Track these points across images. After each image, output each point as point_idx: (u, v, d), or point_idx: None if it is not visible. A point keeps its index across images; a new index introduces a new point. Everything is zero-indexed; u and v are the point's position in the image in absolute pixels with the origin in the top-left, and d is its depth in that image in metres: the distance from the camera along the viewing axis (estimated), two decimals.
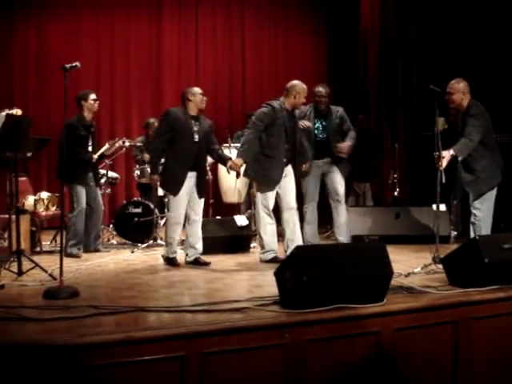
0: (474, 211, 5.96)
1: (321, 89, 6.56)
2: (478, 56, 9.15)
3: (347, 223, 6.60)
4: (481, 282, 4.39)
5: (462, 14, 9.33)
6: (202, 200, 5.84)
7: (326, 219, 8.98)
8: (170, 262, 5.77)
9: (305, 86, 5.86)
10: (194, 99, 5.73)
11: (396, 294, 4.21)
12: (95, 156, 6.63)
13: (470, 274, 4.44)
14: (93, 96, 6.65)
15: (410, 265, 5.42)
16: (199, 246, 5.84)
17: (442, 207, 7.23)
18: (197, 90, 5.79)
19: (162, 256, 5.87)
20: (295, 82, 5.89)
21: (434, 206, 6.29)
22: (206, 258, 5.84)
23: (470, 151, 5.75)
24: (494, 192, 5.97)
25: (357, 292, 3.85)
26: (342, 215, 6.52)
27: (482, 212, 5.89)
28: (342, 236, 6.51)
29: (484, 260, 4.34)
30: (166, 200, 6.26)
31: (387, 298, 4.02)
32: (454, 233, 7.42)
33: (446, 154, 5.57)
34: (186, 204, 5.73)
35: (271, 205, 5.85)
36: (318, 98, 6.52)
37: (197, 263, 5.74)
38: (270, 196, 5.82)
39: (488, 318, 4.29)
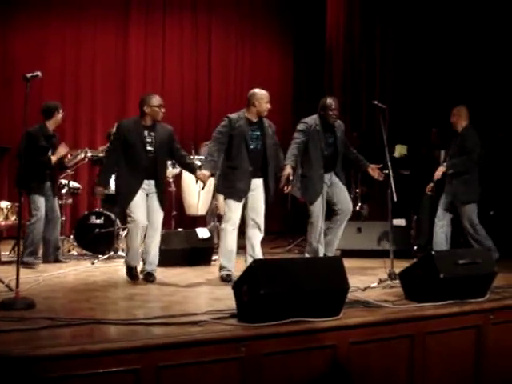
0: (473, 227, 6.50)
1: (333, 102, 6.17)
2: (440, 74, 9.33)
3: None
4: (436, 297, 4.47)
5: (426, 33, 9.51)
6: (161, 213, 5.60)
7: (288, 232, 9.09)
8: (128, 272, 5.59)
9: (264, 92, 5.74)
10: (149, 111, 5.52)
11: (352, 308, 4.26)
12: (54, 158, 6.55)
13: (425, 288, 4.51)
14: (61, 110, 6.66)
15: (368, 279, 5.49)
16: (152, 260, 5.57)
17: (402, 222, 7.36)
18: (154, 100, 5.53)
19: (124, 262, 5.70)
20: (254, 90, 5.83)
21: (394, 221, 6.40)
22: (166, 271, 5.83)
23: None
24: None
25: (313, 306, 3.88)
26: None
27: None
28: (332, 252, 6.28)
29: (439, 275, 4.41)
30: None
31: (344, 312, 4.06)
32: (414, 247, 7.52)
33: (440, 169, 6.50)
34: (145, 209, 5.50)
35: (237, 218, 5.63)
36: (330, 111, 6.13)
37: (145, 278, 5.51)
38: (237, 209, 5.61)
39: (442, 333, 4.37)
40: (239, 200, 5.59)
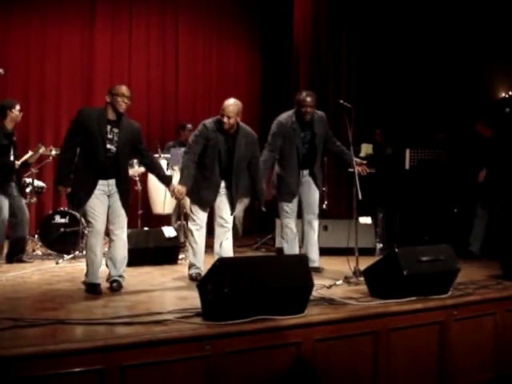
0: None
1: (307, 98, 5.91)
2: (406, 73, 9.44)
3: None
4: (400, 294, 4.53)
5: (393, 32, 9.60)
6: (124, 216, 5.09)
7: (255, 231, 9.10)
8: (91, 289, 4.93)
9: (230, 102, 5.49)
10: (110, 100, 4.92)
11: (317, 306, 4.30)
12: (18, 162, 6.49)
13: (389, 285, 4.57)
14: (18, 107, 6.52)
15: (334, 277, 5.53)
16: (119, 266, 5.08)
17: (368, 220, 7.41)
18: (117, 88, 4.92)
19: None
20: (225, 101, 5.55)
21: (360, 219, 6.46)
22: (132, 270, 5.77)
23: None
24: None
25: (278, 304, 3.90)
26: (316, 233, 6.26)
27: None
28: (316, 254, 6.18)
29: (403, 272, 4.46)
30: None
31: (308, 310, 4.10)
32: (379, 245, 7.59)
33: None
34: (105, 212, 5.01)
35: (202, 220, 5.61)
36: (303, 108, 5.91)
37: (110, 287, 5.02)
38: (202, 212, 5.61)
39: (406, 329, 4.43)
40: (203, 209, 5.60)
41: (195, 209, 5.61)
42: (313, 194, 6.14)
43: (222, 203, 5.62)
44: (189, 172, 5.46)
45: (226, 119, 5.40)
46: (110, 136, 4.92)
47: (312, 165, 6.11)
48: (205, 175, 5.54)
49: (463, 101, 8.70)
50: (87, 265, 4.99)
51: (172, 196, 5.42)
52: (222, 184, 5.61)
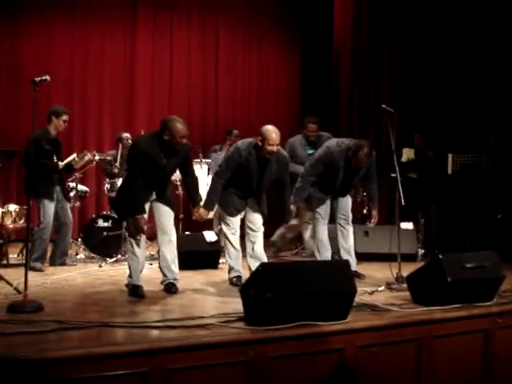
0: None
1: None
2: (448, 75, 9.32)
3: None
4: (443, 301, 4.47)
5: (434, 34, 9.50)
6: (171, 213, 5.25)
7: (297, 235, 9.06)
8: (133, 292, 5.04)
9: (272, 132, 5.44)
10: (168, 138, 5.00)
11: (360, 312, 4.26)
12: (61, 163, 6.58)
13: (433, 292, 4.51)
14: (65, 117, 6.60)
15: (376, 283, 5.49)
16: (172, 268, 5.20)
17: (410, 226, 7.35)
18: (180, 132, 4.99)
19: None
20: (266, 127, 5.52)
21: (402, 225, 6.40)
22: None
23: None
24: None
25: (320, 309, 3.88)
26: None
27: None
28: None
29: (447, 279, 4.41)
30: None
31: (351, 316, 4.07)
32: (421, 251, 7.51)
33: None
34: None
35: (236, 223, 5.69)
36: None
37: (166, 289, 5.15)
38: (234, 218, 5.68)
39: (450, 337, 4.36)
40: (235, 216, 5.69)
41: (225, 217, 5.72)
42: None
43: (251, 216, 5.70)
44: (215, 198, 5.60)
45: (274, 148, 5.42)
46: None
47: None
48: (235, 192, 5.63)
49: (506, 105, 8.55)
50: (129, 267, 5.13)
51: (193, 217, 5.56)
52: (250, 199, 5.71)
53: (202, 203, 5.61)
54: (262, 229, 5.73)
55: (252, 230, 5.69)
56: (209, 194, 5.66)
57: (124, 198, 5.11)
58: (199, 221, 5.64)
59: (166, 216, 5.21)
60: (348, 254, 6.13)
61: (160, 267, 5.23)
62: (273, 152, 5.43)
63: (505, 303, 4.72)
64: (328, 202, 6.16)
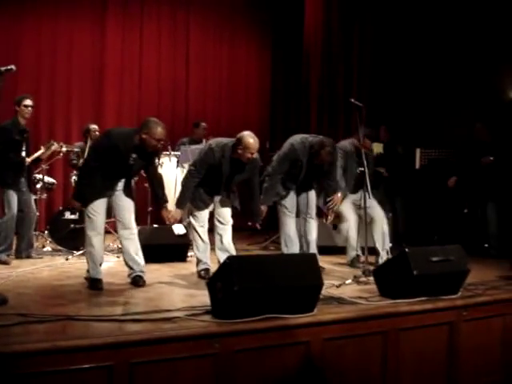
0: None
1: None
2: (418, 71, 9.41)
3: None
4: (409, 294, 4.51)
5: (404, 30, 9.57)
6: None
7: (264, 229, 9.08)
8: (93, 285, 5.00)
9: (252, 141, 5.40)
10: (143, 139, 4.99)
11: (326, 305, 4.28)
12: (29, 159, 6.51)
13: (399, 285, 4.54)
14: (26, 102, 6.50)
15: (343, 276, 5.52)
16: (137, 260, 5.19)
17: None
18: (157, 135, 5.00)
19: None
20: (244, 133, 5.46)
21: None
22: None
23: None
24: None
25: (287, 302, 3.89)
26: None
27: None
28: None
29: (413, 272, 4.44)
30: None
31: (318, 309, 4.08)
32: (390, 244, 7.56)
33: None
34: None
35: (204, 216, 5.72)
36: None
37: (133, 282, 5.13)
38: (202, 211, 5.72)
39: (416, 329, 4.41)
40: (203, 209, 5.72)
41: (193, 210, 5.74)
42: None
43: (220, 209, 5.73)
44: (188, 195, 5.61)
45: (250, 155, 5.43)
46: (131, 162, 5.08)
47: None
48: (204, 189, 5.65)
49: (475, 100, 8.65)
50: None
51: (166, 220, 5.49)
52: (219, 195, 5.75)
53: (172, 203, 5.62)
54: (230, 222, 5.76)
55: (220, 222, 5.70)
56: (181, 193, 5.67)
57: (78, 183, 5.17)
58: (171, 222, 5.57)
59: (126, 209, 5.19)
60: (310, 247, 6.14)
61: (125, 260, 5.21)
62: (252, 159, 5.47)
63: (470, 296, 4.79)
64: (294, 196, 6.17)
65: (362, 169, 5.73)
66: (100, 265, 5.11)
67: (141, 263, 5.19)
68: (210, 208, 5.78)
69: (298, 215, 6.25)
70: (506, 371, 4.89)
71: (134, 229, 5.22)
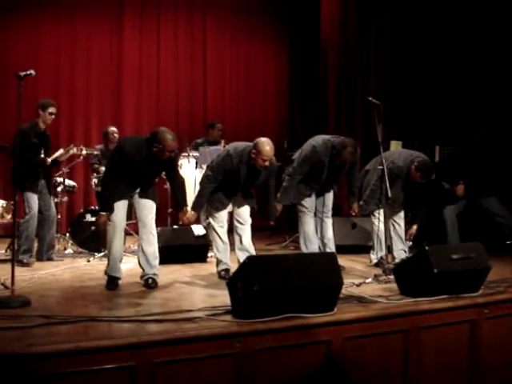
0: None
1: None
2: (436, 67, 9.34)
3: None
4: (430, 292, 4.49)
5: (421, 26, 9.51)
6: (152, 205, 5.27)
7: (284, 229, 9.10)
8: (108, 282, 5.14)
9: (267, 148, 5.39)
10: (157, 149, 5.00)
11: (347, 304, 4.28)
12: (49, 159, 6.56)
13: (419, 283, 4.53)
14: (51, 109, 6.55)
15: (363, 275, 5.51)
16: (152, 263, 5.21)
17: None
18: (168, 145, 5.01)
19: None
20: (261, 140, 5.45)
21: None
22: (162, 268, 5.78)
23: None
24: None
25: (307, 301, 3.89)
26: None
27: None
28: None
29: (433, 270, 4.43)
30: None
31: (338, 308, 4.08)
32: (409, 243, 7.52)
33: None
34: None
35: (223, 216, 5.75)
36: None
37: (145, 284, 5.14)
38: (221, 211, 5.74)
39: (437, 327, 4.38)
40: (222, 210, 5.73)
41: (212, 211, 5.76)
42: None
43: (239, 209, 5.76)
44: (204, 200, 5.67)
45: (266, 163, 5.44)
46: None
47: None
48: (222, 192, 5.68)
49: (493, 96, 8.57)
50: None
51: (180, 221, 5.59)
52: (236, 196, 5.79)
53: (189, 206, 5.66)
54: (249, 221, 5.77)
55: (240, 222, 5.73)
56: (198, 197, 5.71)
57: (101, 195, 5.22)
58: (185, 223, 5.69)
59: (147, 209, 5.24)
60: (327, 246, 6.16)
61: (139, 262, 5.22)
62: (265, 166, 5.47)
63: (491, 294, 4.75)
64: (313, 196, 6.20)
65: (381, 167, 5.70)
66: (120, 261, 5.18)
67: (155, 266, 5.20)
68: (229, 208, 5.80)
69: (314, 214, 6.26)
70: None
71: (154, 230, 5.25)
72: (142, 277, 5.21)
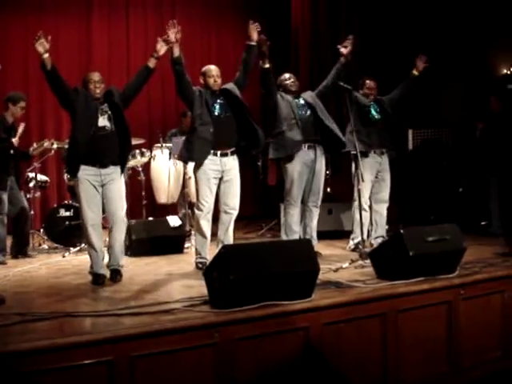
0: None
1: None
2: (404, 52, 9.35)
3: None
4: (406, 275, 4.51)
5: (392, 12, 9.51)
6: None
7: (261, 216, 9.11)
8: (93, 279, 5.04)
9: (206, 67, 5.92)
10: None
11: (324, 290, 4.29)
12: (15, 140, 6.38)
13: (395, 267, 4.55)
14: (22, 104, 6.46)
15: (340, 260, 5.52)
16: (116, 256, 5.12)
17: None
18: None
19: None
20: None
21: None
22: (138, 260, 5.78)
23: None
24: None
25: (284, 289, 3.90)
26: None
27: None
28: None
29: (409, 253, 4.45)
30: None
31: (315, 294, 4.09)
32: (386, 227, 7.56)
33: None
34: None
35: (210, 205, 5.50)
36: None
37: (110, 277, 5.06)
38: (209, 197, 5.48)
39: (414, 310, 4.42)
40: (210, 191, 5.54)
41: (203, 194, 5.49)
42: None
43: (227, 198, 5.57)
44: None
45: (218, 80, 5.80)
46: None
47: None
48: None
49: (466, 78, 8.62)
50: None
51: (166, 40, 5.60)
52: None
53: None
54: (237, 210, 5.61)
55: (226, 210, 5.57)
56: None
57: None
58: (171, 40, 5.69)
59: (116, 200, 5.10)
60: (308, 235, 6.08)
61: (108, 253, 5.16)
62: (219, 85, 5.73)
63: (467, 275, 4.80)
64: (302, 182, 6.02)
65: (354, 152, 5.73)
66: (103, 259, 5.10)
67: (120, 258, 5.13)
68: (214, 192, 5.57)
69: (302, 202, 6.13)
70: (506, 347, 4.90)
71: (122, 222, 5.15)
72: (108, 266, 5.15)
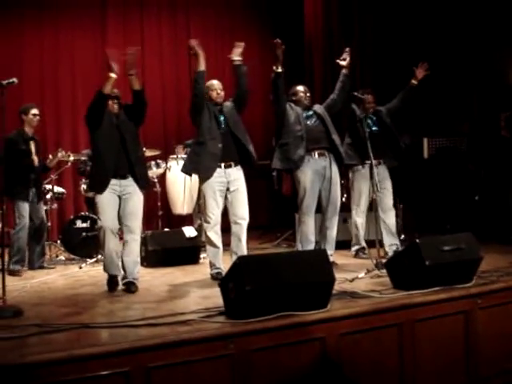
0: None
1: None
2: (420, 57, 9.34)
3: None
4: (423, 285, 4.49)
5: (405, 23, 9.51)
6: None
7: (276, 226, 9.09)
8: (108, 281, 5.21)
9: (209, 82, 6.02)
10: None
11: (340, 300, 4.28)
12: (35, 157, 6.50)
13: (412, 276, 4.53)
14: (33, 111, 6.55)
15: (355, 270, 5.49)
16: (131, 269, 5.15)
17: None
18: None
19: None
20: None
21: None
22: (154, 271, 5.79)
23: None
24: None
25: (300, 299, 3.89)
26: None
27: None
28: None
29: (425, 263, 4.43)
30: None
31: (331, 304, 4.08)
32: (401, 236, 7.54)
33: None
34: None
35: (217, 217, 5.52)
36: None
37: (125, 288, 5.12)
38: (216, 210, 5.50)
39: (431, 320, 4.39)
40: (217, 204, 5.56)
41: (209, 207, 5.53)
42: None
43: (236, 208, 5.58)
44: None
45: (221, 93, 6.10)
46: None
47: None
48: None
49: (480, 87, 8.58)
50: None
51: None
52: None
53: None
54: (246, 220, 5.61)
55: (235, 220, 5.58)
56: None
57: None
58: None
59: (133, 214, 5.20)
60: (330, 244, 6.06)
61: (122, 265, 5.18)
62: (222, 98, 6.00)
63: (483, 284, 4.76)
64: (315, 191, 5.99)
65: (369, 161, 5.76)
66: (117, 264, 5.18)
67: (135, 270, 5.16)
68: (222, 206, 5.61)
69: (318, 211, 6.13)
70: None
71: (138, 234, 5.22)
72: (122, 279, 5.19)
